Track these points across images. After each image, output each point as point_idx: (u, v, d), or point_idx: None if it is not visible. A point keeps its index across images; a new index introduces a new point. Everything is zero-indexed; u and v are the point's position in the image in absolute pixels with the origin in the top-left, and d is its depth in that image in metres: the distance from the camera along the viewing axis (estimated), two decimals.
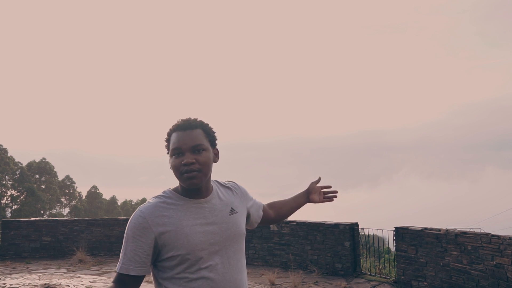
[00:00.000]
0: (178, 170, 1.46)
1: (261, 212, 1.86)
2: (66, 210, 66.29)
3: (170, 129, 1.52)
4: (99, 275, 8.49)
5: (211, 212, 1.53)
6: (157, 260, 1.49)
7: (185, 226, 1.46)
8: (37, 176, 62.20)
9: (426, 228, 7.24)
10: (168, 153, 1.52)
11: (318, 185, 2.02)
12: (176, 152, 1.47)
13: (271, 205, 1.97)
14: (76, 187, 68.34)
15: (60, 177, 66.52)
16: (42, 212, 58.55)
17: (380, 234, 8.52)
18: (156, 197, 1.52)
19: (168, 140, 1.53)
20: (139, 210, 1.47)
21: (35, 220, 11.46)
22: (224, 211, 1.57)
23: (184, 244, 1.43)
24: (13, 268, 9.21)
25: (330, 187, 2.04)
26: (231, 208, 1.60)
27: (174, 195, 1.52)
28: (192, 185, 1.45)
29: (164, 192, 1.55)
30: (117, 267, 1.46)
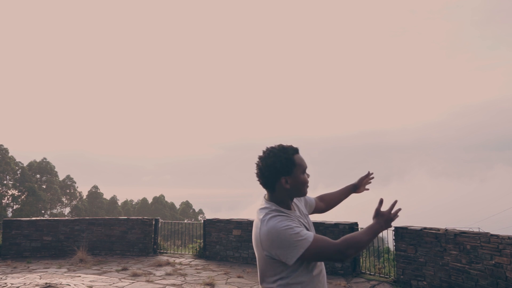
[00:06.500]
0: (306, 185, 1.78)
1: (313, 201, 2.14)
2: (67, 210, 66.43)
3: (291, 150, 1.76)
4: (99, 274, 8.52)
5: (304, 219, 1.85)
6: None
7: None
8: (38, 176, 62.30)
9: (425, 228, 7.25)
10: (289, 172, 1.72)
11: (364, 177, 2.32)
12: (305, 171, 1.78)
13: (321, 198, 2.24)
14: (77, 187, 68.56)
15: (61, 177, 66.68)
16: (43, 211, 58.70)
17: (379, 234, 8.54)
18: (274, 210, 1.72)
19: (290, 160, 1.73)
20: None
21: (36, 219, 11.50)
22: (307, 217, 1.93)
23: None
24: (14, 268, 9.25)
25: (371, 175, 2.30)
26: (305, 214, 1.94)
27: (279, 208, 1.75)
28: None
29: (270, 205, 1.75)
30: None
